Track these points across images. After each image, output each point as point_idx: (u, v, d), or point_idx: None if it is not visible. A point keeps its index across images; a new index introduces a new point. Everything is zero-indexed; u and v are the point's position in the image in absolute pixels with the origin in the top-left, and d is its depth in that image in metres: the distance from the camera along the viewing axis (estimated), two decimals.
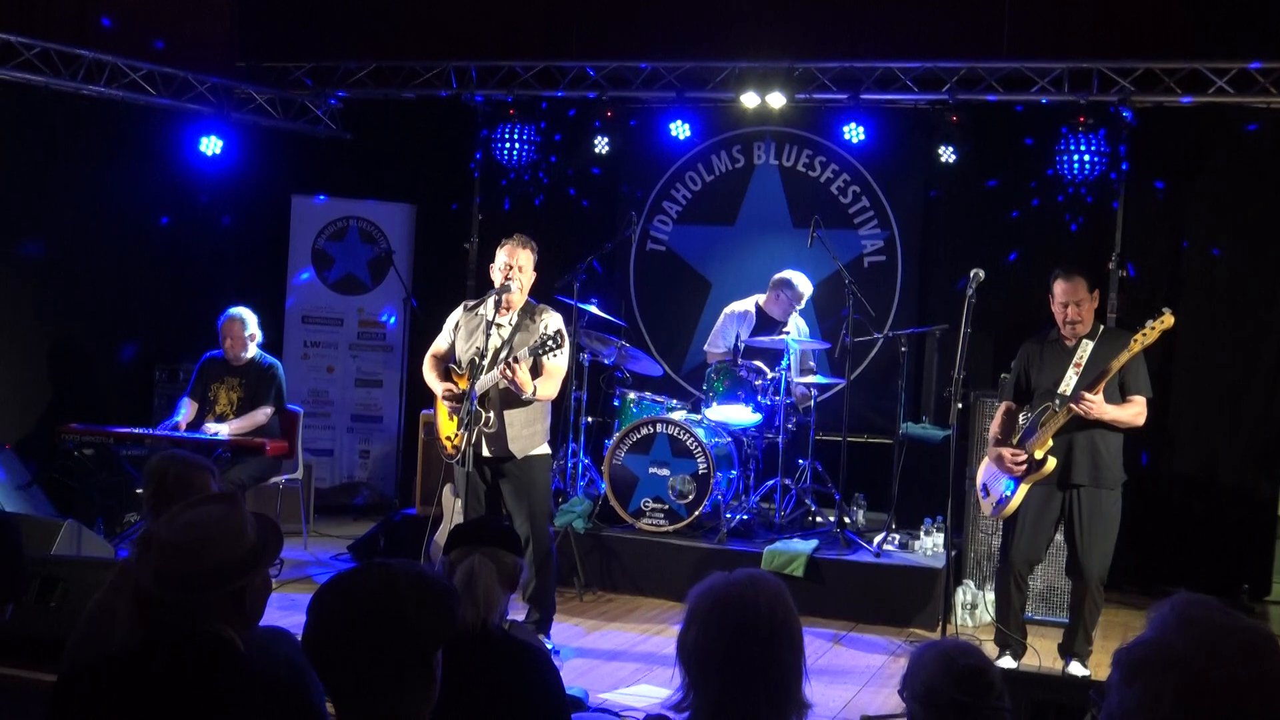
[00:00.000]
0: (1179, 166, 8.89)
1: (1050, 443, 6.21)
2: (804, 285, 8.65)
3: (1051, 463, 6.21)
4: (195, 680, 2.58)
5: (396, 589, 2.29)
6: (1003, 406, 6.62)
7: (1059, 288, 6.33)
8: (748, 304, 8.81)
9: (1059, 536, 6.57)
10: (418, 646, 2.29)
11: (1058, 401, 6.24)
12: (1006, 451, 6.31)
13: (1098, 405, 6.09)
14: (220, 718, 2.54)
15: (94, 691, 2.61)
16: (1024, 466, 6.26)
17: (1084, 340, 6.33)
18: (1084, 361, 6.27)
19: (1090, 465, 6.23)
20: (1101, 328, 6.44)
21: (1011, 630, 6.49)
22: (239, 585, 2.68)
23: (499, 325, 6.32)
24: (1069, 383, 6.26)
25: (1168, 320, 5.98)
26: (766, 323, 8.68)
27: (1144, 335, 6.00)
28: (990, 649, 6.53)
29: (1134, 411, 6.23)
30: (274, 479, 8.23)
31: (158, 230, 10.03)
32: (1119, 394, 6.24)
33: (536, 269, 6.46)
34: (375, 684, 2.25)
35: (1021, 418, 6.59)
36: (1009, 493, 6.38)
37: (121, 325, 9.84)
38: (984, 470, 6.68)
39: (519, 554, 3.65)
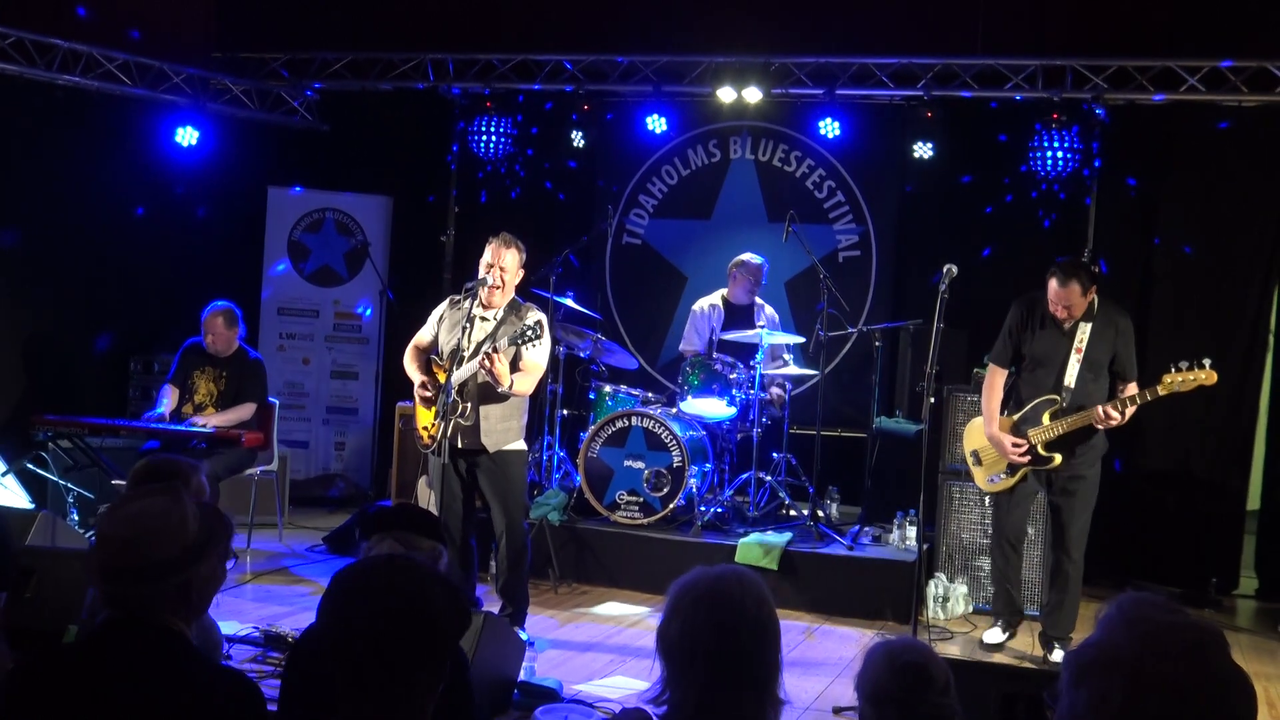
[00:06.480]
0: (1151, 164, 8.95)
1: (1054, 437, 6.34)
2: (753, 258, 8.68)
3: (1058, 459, 6.37)
4: (144, 671, 2.59)
5: (425, 585, 2.27)
6: (992, 372, 6.68)
7: (1052, 289, 6.35)
8: (714, 299, 8.82)
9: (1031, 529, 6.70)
10: (442, 642, 2.28)
11: (1065, 398, 6.33)
12: (1008, 442, 6.42)
13: (1118, 421, 6.23)
14: (170, 707, 2.55)
15: (45, 682, 2.62)
16: (1027, 458, 6.40)
17: (1080, 323, 6.39)
18: (1084, 346, 6.36)
19: (1074, 451, 6.41)
20: (1095, 303, 6.43)
21: (1013, 592, 6.75)
22: (183, 578, 2.69)
23: (483, 320, 6.35)
24: (1072, 374, 6.35)
25: (1209, 379, 6.14)
26: (736, 312, 8.71)
27: (1179, 380, 6.11)
28: (966, 640, 6.58)
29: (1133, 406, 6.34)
30: (249, 470, 8.22)
31: (133, 221, 9.98)
32: (1108, 376, 6.39)
33: (523, 266, 6.49)
34: (395, 680, 2.24)
35: (1014, 389, 6.66)
36: (1005, 474, 6.54)
37: (97, 316, 9.80)
38: (974, 436, 6.76)
39: (437, 539, 3.63)
